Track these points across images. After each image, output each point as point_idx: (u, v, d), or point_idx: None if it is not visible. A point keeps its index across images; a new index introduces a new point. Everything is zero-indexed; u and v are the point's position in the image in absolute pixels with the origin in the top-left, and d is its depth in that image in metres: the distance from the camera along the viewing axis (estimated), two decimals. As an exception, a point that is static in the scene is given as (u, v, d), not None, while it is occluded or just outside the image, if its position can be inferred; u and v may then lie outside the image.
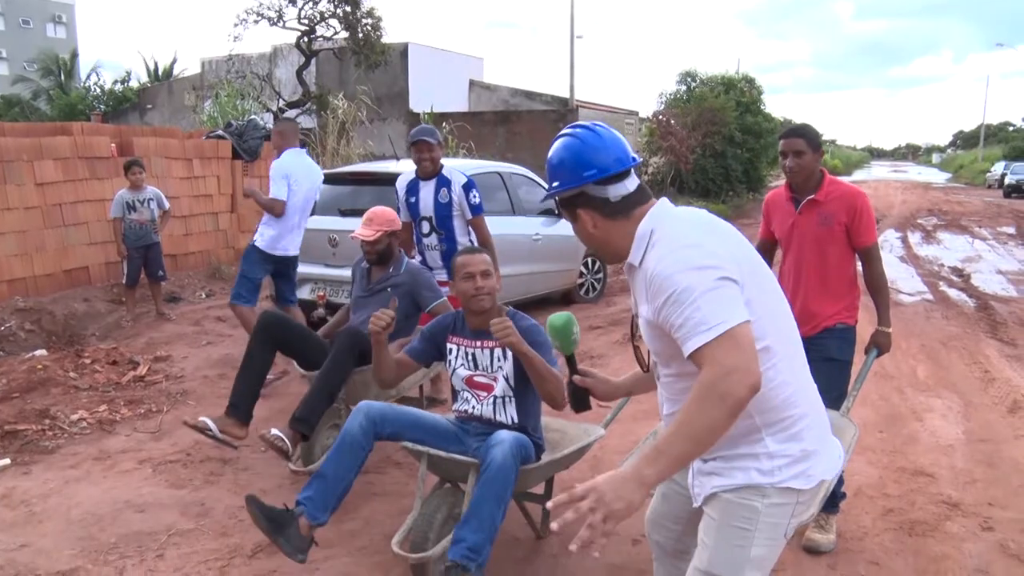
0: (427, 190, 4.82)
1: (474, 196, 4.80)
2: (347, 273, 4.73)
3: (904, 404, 5.40)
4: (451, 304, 4.22)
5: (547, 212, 8.12)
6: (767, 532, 1.83)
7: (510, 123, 21.72)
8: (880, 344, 3.38)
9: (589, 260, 8.77)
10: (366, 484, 3.92)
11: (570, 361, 2.42)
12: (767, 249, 3.59)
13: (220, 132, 11.19)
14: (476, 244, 4.82)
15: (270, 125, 13.01)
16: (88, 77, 34.02)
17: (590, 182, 1.86)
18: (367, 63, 18.71)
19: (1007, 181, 32.38)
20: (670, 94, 24.58)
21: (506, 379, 3.12)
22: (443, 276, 4.69)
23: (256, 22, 18.47)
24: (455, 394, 3.31)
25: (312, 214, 5.82)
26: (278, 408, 5.04)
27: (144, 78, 34.02)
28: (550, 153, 1.94)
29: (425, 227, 4.87)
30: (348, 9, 18.26)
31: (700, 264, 1.68)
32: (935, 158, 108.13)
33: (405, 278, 4.28)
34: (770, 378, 1.76)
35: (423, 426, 3.12)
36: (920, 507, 3.81)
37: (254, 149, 10.71)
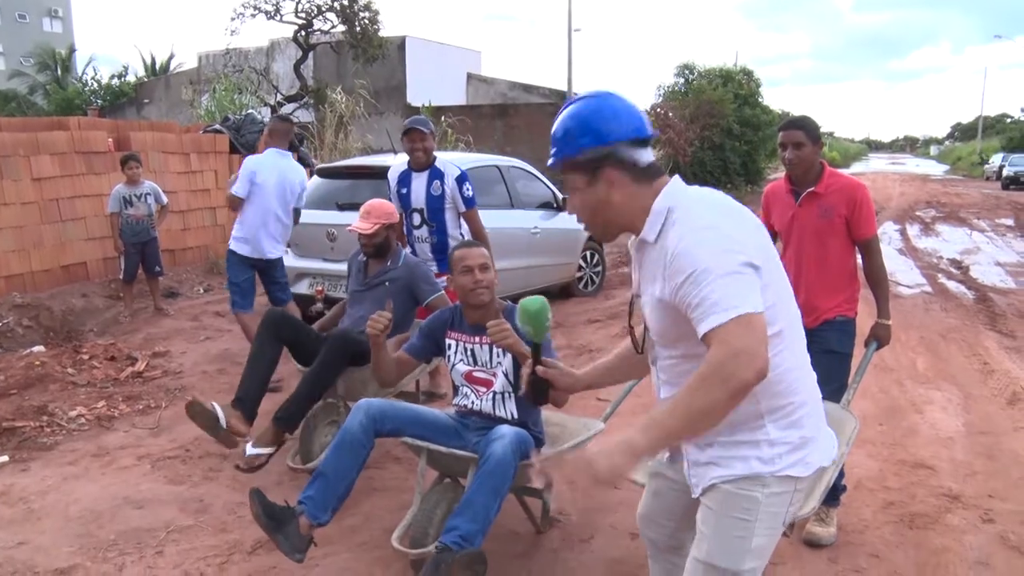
0: (419, 182, 4.80)
1: (467, 189, 4.78)
2: (345, 268, 4.71)
3: (904, 396, 5.40)
4: (448, 297, 4.21)
5: (545, 205, 8.11)
6: (767, 522, 1.83)
7: (508, 116, 21.66)
8: (880, 336, 3.38)
9: (588, 253, 8.77)
10: (366, 479, 3.91)
11: (535, 350, 2.26)
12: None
13: (217, 126, 11.17)
14: (468, 237, 4.80)
15: (267, 119, 12.99)
16: (85, 72, 33.95)
17: (625, 140, 1.82)
18: (364, 57, 18.69)
19: (1005, 173, 32.36)
20: (668, 87, 24.62)
21: (505, 375, 3.11)
22: (433, 268, 4.67)
23: (253, 16, 18.47)
24: (455, 389, 3.31)
25: (309, 208, 5.78)
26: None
27: (141, 72, 34.00)
28: (575, 110, 1.86)
29: (416, 219, 4.84)
30: (345, 3, 18.24)
31: (725, 247, 1.67)
32: (933, 150, 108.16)
33: (403, 271, 4.26)
34: (778, 363, 1.76)
35: (423, 422, 3.11)
36: (920, 500, 3.81)
37: (252, 143, 10.67)
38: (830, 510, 3.41)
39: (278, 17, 18.62)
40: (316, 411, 4.05)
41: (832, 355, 3.25)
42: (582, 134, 1.83)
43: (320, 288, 5.56)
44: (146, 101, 28.73)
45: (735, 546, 1.84)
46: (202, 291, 8.87)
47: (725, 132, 22.17)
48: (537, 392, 2.25)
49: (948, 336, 7.09)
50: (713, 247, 1.67)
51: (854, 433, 2.88)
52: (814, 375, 1.94)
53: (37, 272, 7.90)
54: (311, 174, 7.87)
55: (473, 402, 3.18)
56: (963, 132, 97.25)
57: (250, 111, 14.28)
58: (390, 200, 4.81)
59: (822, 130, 3.48)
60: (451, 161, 5.00)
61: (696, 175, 21.21)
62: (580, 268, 8.71)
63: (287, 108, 18.92)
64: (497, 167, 7.74)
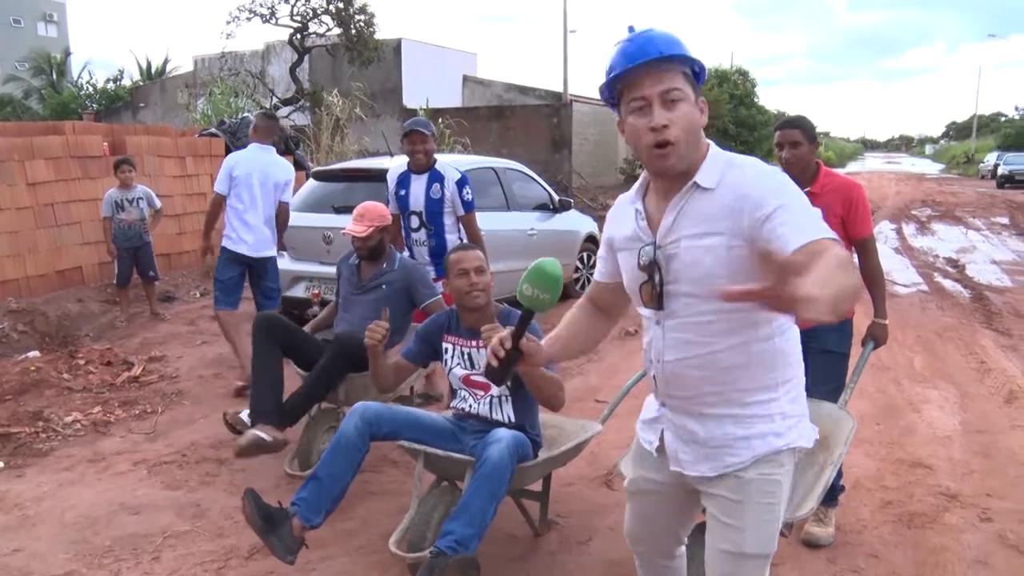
0: (419, 184, 4.78)
1: (467, 193, 4.77)
2: (340, 271, 4.70)
3: (901, 396, 5.40)
4: (445, 301, 4.20)
5: (542, 207, 8.11)
6: (784, 497, 1.88)
7: (504, 118, 21.69)
8: (877, 336, 3.38)
9: (584, 255, 8.76)
10: (363, 483, 3.90)
11: (526, 320, 1.92)
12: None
13: (213, 130, 11.18)
14: (466, 241, 4.79)
15: (263, 123, 12.98)
16: (80, 76, 33.88)
17: (700, 67, 1.80)
18: (360, 59, 18.70)
19: (1000, 171, 32.44)
20: (664, 88, 24.58)
21: (503, 378, 3.10)
22: (431, 272, 4.66)
23: (249, 19, 18.48)
24: (452, 392, 3.30)
25: (305, 211, 5.74)
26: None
27: (136, 76, 33.90)
28: (651, 28, 1.79)
29: (414, 221, 4.82)
30: (341, 5, 18.26)
31: (799, 190, 1.73)
32: (928, 149, 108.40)
33: (399, 274, 4.24)
34: (790, 336, 1.83)
35: (420, 425, 3.10)
36: (918, 499, 3.80)
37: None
38: (828, 510, 3.41)
39: (273, 20, 18.62)
40: (315, 417, 4.03)
41: (829, 355, 3.25)
42: (674, 45, 1.74)
43: (316, 291, 5.55)
44: (142, 105, 28.71)
45: (768, 531, 1.86)
46: (198, 295, 8.84)
47: (721, 133, 22.22)
48: (506, 369, 1.93)
49: (945, 335, 7.09)
50: (798, 192, 1.72)
51: (852, 433, 2.89)
52: None
53: (32, 277, 7.88)
54: (307, 177, 7.87)
55: (470, 405, 3.17)
56: (958, 131, 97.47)
57: (246, 114, 14.28)
58: (387, 201, 4.80)
59: (818, 130, 3.48)
60: (451, 164, 4.98)
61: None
62: (577, 269, 8.70)
63: (283, 111, 18.91)
64: (493, 169, 7.73)
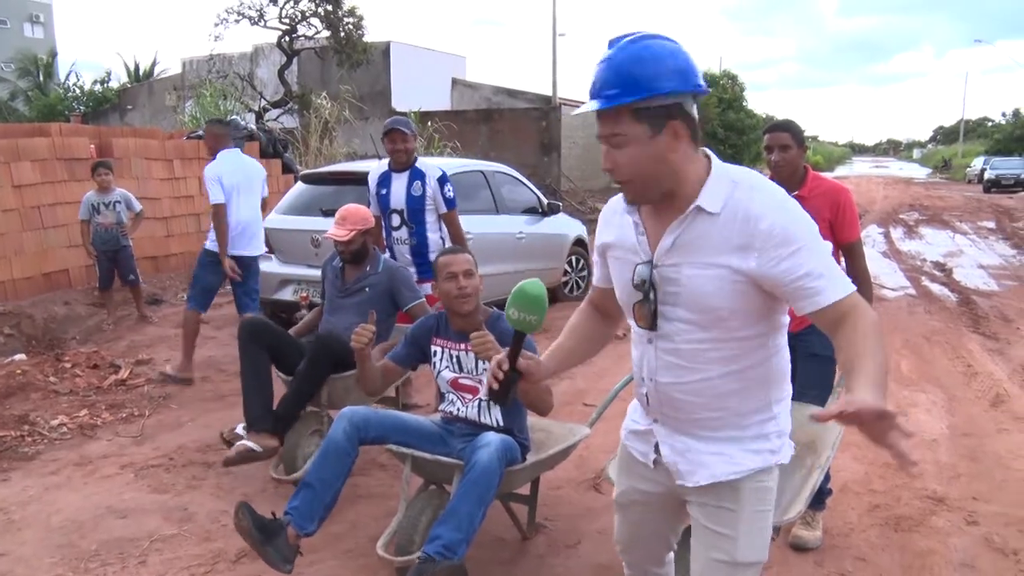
0: (399, 182, 4.77)
1: (448, 190, 4.76)
2: (330, 274, 4.68)
3: (888, 399, 5.41)
4: (429, 303, 4.20)
5: (531, 211, 8.11)
6: (773, 505, 1.90)
7: (492, 121, 21.69)
8: (864, 340, 3.38)
9: (573, 258, 8.76)
10: (351, 487, 3.87)
11: (519, 341, 1.93)
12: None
13: (201, 132, 11.12)
14: (448, 238, 4.79)
15: (252, 125, 12.97)
16: (67, 78, 33.70)
17: (697, 92, 1.66)
18: (349, 62, 18.68)
19: (987, 176, 32.67)
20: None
21: (491, 382, 3.09)
22: (413, 272, 4.63)
23: (237, 21, 18.43)
24: (441, 396, 3.29)
25: (293, 214, 5.79)
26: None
27: (124, 78, 33.75)
28: (651, 47, 1.64)
29: (395, 220, 4.81)
30: (329, 8, 18.24)
31: (814, 224, 1.68)
32: (916, 153, 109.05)
33: (383, 277, 4.23)
34: (784, 354, 1.84)
35: (407, 428, 3.10)
36: (905, 502, 3.82)
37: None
38: (816, 513, 3.42)
39: (262, 23, 18.58)
40: (299, 421, 4.01)
41: (816, 359, 3.25)
42: (665, 76, 1.62)
43: (305, 295, 5.52)
44: (129, 107, 28.60)
45: (761, 539, 1.87)
46: (186, 298, 8.80)
47: (709, 136, 22.29)
48: (508, 390, 1.94)
49: (932, 338, 7.13)
50: (809, 222, 1.67)
51: (839, 438, 2.89)
52: None
53: (18, 280, 7.82)
54: (295, 180, 7.86)
55: (459, 409, 3.17)
56: (945, 135, 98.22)
57: (234, 117, 14.24)
58: (369, 202, 4.80)
59: (806, 134, 3.50)
60: (433, 163, 4.98)
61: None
62: (566, 273, 8.70)
63: (271, 114, 18.88)
64: (482, 172, 7.72)
